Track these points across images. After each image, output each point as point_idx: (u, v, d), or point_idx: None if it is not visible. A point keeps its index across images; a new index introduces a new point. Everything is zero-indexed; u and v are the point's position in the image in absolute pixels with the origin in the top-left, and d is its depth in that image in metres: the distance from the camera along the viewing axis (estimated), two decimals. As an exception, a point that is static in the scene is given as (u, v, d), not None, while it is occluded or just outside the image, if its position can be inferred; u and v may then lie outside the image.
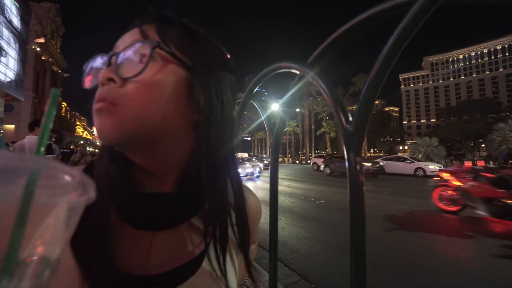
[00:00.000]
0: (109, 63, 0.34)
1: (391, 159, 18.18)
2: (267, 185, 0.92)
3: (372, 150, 63.18)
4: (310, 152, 44.69)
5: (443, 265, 3.19)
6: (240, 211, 0.42)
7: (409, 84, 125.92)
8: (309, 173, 18.11)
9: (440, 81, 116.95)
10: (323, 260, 3.34)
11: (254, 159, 18.94)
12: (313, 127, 43.06)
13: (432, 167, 15.43)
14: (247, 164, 14.75)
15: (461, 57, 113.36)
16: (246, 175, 14.00)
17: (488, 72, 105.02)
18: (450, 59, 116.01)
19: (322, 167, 17.79)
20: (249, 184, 9.13)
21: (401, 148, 64.67)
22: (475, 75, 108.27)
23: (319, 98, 39.52)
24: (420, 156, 22.13)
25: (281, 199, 7.82)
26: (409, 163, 16.68)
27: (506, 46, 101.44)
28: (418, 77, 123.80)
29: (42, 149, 0.18)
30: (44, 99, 26.72)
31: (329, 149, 38.15)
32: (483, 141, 27.39)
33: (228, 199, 0.40)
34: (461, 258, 3.44)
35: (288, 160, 47.84)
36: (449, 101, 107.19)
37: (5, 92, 15.74)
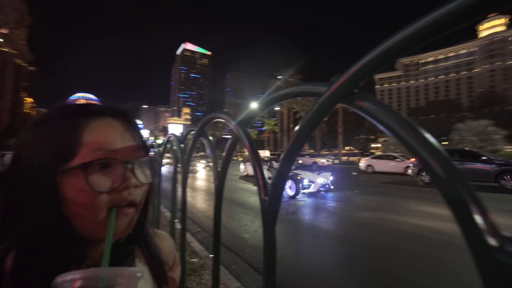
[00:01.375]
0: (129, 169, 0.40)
1: (380, 158, 17.66)
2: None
3: (347, 147, 65.67)
4: (290, 150, 45.58)
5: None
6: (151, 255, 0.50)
7: (383, 84, 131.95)
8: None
9: (412, 81, 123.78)
10: (294, 263, 3.51)
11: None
12: (291, 125, 43.87)
13: None
14: (308, 174, 8.94)
15: (430, 59, 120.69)
16: (317, 190, 8.52)
17: (453, 75, 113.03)
18: (421, 61, 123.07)
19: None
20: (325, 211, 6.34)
21: (373, 145, 67.78)
22: (442, 77, 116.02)
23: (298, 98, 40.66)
24: (392, 153, 23.47)
25: (252, 199, 7.98)
26: (399, 161, 16.04)
27: (467, 51, 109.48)
28: (392, 77, 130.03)
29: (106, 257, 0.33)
30: (5, 95, 24.59)
31: (307, 147, 39.34)
32: (446, 140, 29.53)
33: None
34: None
35: (268, 158, 48.64)
36: (418, 101, 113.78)
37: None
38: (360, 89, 0.40)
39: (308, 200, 7.77)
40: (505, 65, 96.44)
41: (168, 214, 4.80)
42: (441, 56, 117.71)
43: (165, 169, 9.62)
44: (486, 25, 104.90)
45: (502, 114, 36.67)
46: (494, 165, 9.71)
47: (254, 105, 0.82)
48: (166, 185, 3.44)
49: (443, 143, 33.53)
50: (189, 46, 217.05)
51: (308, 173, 8.91)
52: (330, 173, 9.24)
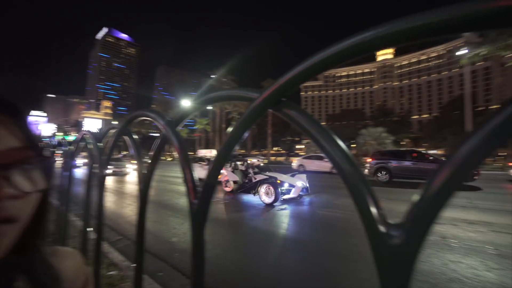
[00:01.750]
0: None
1: (310, 158, 18.61)
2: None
3: (275, 148, 70.46)
4: (222, 150, 45.66)
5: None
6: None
7: (307, 92, 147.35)
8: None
9: (330, 91, 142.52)
10: (223, 263, 3.53)
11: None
12: (223, 125, 44.03)
13: None
14: (285, 177, 7.81)
15: (344, 74, 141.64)
16: (297, 195, 7.52)
17: (360, 88, 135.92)
18: (337, 74, 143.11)
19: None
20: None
21: (298, 147, 74.80)
22: (352, 89, 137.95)
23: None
24: (311, 153, 26.59)
25: (181, 201, 7.68)
26: (327, 161, 17.59)
27: (369, 70, 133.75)
28: (314, 86, 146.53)
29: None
30: None
31: (238, 148, 40.33)
32: (354, 142, 35.18)
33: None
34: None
35: (198, 158, 47.39)
36: (335, 108, 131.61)
37: None
38: (287, 97, 0.45)
39: (290, 208, 6.70)
40: (392, 85, 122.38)
41: (80, 223, 4.11)
42: (352, 72, 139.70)
43: (81, 171, 8.15)
44: (381, 52, 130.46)
45: (391, 123, 46.27)
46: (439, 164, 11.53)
47: (186, 103, 0.81)
48: (80, 189, 2.95)
49: (351, 145, 39.97)
50: (113, 31, 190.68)
51: (285, 176, 7.85)
52: (305, 175, 8.41)
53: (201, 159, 14.43)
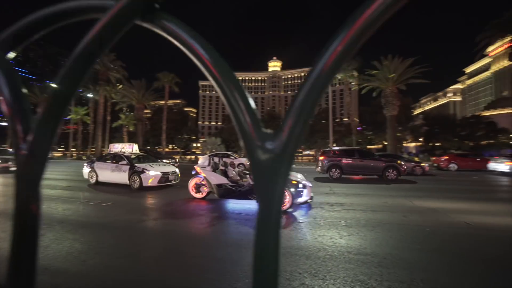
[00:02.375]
0: None
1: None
2: None
3: (170, 145, 66.39)
4: (104, 147, 38.48)
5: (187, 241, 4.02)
6: None
7: (206, 91, 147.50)
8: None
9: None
10: (101, 274, 2.96)
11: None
12: (108, 118, 37.37)
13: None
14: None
15: (240, 78, 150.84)
16: (307, 200, 6.32)
17: (252, 94, 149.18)
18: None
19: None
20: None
21: (195, 145, 73.66)
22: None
23: (121, 86, 35.18)
24: (207, 152, 26.73)
25: (52, 207, 6.02)
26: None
27: (261, 78, 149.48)
28: (212, 86, 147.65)
29: None
30: None
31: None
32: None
33: None
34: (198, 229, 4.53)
35: (72, 155, 37.81)
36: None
37: None
38: (162, 5, 0.34)
39: (313, 214, 5.66)
40: (279, 94, 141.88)
41: None
42: (247, 78, 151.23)
43: None
44: (271, 63, 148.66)
45: (278, 126, 53.26)
46: (381, 162, 12.43)
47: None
48: None
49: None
50: None
51: (299, 176, 6.71)
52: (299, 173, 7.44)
53: (119, 158, 9.96)
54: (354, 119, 56.02)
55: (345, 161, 12.60)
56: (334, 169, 12.57)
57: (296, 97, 0.28)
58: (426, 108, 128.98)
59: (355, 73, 30.67)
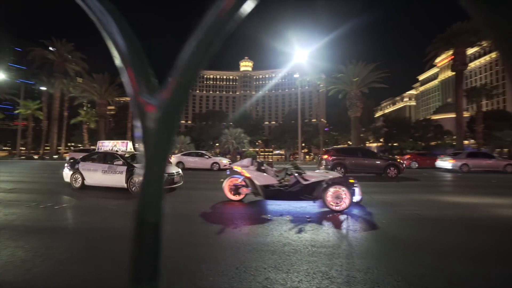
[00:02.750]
0: None
1: (190, 154, 18.82)
2: None
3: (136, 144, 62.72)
4: (60, 145, 35.09)
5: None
6: None
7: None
8: (53, 171, 14.06)
9: (197, 91, 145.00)
10: (45, 282, 2.69)
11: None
12: (65, 113, 34.16)
13: (225, 161, 18.20)
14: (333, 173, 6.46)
15: (211, 76, 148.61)
16: (359, 200, 6.18)
17: (224, 93, 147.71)
18: (205, 76, 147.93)
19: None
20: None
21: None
22: (217, 92, 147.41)
23: (80, 80, 32.35)
24: (176, 151, 25.86)
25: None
26: (207, 158, 18.11)
27: (233, 78, 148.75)
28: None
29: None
30: None
31: (87, 141, 32.44)
32: (217, 141, 37.64)
33: None
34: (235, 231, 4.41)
35: (20, 155, 33.68)
36: (201, 108, 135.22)
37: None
38: None
39: (377, 214, 5.49)
40: (250, 94, 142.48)
41: None
42: (219, 76, 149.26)
43: None
44: (243, 63, 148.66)
45: (248, 126, 53.58)
46: (383, 161, 12.91)
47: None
48: None
49: (216, 144, 42.64)
50: None
51: (332, 173, 6.50)
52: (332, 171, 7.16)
53: (112, 157, 8.76)
54: (322, 120, 58.51)
55: (349, 159, 12.98)
56: (339, 168, 12.74)
57: (183, 53, 0.27)
58: (386, 111, 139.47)
59: (323, 75, 32.04)
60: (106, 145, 10.11)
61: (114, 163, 8.40)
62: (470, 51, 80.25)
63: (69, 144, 50.07)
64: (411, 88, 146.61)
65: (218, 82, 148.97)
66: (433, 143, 42.25)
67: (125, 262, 0.38)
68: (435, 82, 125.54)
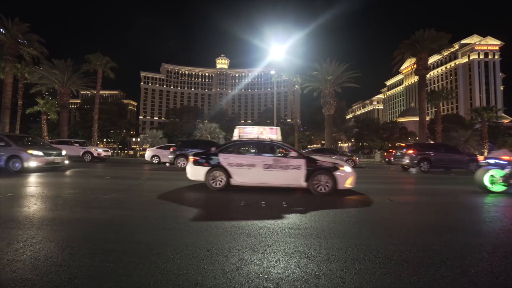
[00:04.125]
0: None
1: (166, 148, 18.00)
2: None
3: (105, 140, 58.94)
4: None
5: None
6: None
7: (148, 83, 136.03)
8: None
9: (172, 87, 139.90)
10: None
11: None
12: (20, 102, 30.69)
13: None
14: None
15: (186, 73, 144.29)
16: None
17: (199, 90, 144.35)
18: (180, 72, 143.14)
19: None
20: None
21: (134, 140, 67.41)
22: (193, 89, 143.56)
23: (39, 66, 29.09)
24: (148, 145, 24.66)
25: None
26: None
27: (209, 75, 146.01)
28: (156, 78, 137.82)
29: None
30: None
31: (46, 134, 29.45)
32: (191, 137, 36.62)
33: None
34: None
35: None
36: (176, 104, 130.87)
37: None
38: None
39: None
40: (226, 92, 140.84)
41: None
42: (194, 73, 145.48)
43: None
44: (219, 61, 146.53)
45: (224, 123, 52.92)
46: (465, 155, 13.53)
47: None
48: None
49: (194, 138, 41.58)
50: None
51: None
52: None
53: (275, 147, 6.87)
54: (297, 120, 59.77)
55: (434, 155, 13.25)
56: (425, 162, 13.06)
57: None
58: (357, 113, 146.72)
59: (298, 75, 32.56)
60: (250, 132, 7.69)
61: (281, 156, 6.51)
62: (431, 60, 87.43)
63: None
64: (380, 93, 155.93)
65: (193, 79, 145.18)
66: (398, 143, 45.30)
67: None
68: (400, 88, 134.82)
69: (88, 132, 40.84)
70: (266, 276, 2.16)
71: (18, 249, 2.62)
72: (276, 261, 2.46)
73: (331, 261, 2.48)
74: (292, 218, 4.03)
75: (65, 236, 3.10)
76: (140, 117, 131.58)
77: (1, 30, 25.25)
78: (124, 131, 55.86)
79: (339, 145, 52.00)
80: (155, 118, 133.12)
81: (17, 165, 9.12)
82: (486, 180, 6.48)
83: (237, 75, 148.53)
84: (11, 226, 3.38)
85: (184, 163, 13.36)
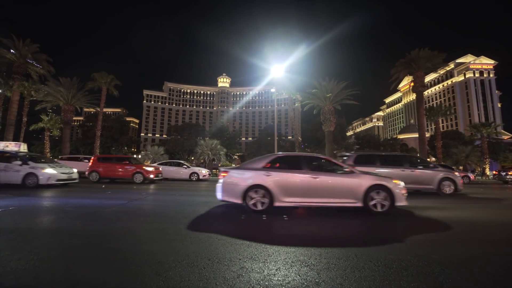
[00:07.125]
0: None
1: (170, 164, 18.28)
2: None
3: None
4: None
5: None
6: None
7: (151, 101, 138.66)
8: None
9: (174, 105, 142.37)
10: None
11: None
12: (25, 119, 31.27)
13: (204, 171, 17.74)
14: None
15: (188, 91, 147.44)
16: None
17: (201, 108, 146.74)
18: (182, 90, 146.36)
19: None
20: None
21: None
22: (195, 107, 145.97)
23: (45, 84, 29.86)
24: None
25: None
26: (186, 168, 17.72)
27: (210, 93, 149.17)
28: (158, 96, 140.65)
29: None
30: None
31: (48, 150, 29.70)
32: (192, 154, 36.72)
33: None
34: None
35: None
36: (177, 121, 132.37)
37: None
38: None
39: None
40: (228, 110, 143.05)
41: None
42: (196, 91, 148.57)
43: None
44: (221, 79, 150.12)
45: (225, 139, 53.30)
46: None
47: None
48: None
49: (192, 158, 41.42)
50: None
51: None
52: None
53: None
54: (298, 137, 60.11)
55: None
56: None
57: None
58: (357, 130, 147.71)
59: (298, 94, 33.26)
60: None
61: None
62: (427, 78, 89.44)
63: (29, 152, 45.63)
64: (379, 110, 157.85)
65: (195, 97, 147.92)
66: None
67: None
68: (400, 105, 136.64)
69: (90, 148, 41.12)
70: (266, 283, 2.19)
71: (21, 258, 2.66)
72: (276, 269, 2.48)
73: (331, 270, 2.49)
74: (293, 230, 4.01)
75: (67, 245, 3.13)
76: (142, 134, 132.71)
77: (11, 50, 26.28)
78: (125, 147, 56.18)
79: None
80: (156, 135, 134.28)
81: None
82: None
83: (238, 93, 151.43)
84: (12, 238, 3.41)
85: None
